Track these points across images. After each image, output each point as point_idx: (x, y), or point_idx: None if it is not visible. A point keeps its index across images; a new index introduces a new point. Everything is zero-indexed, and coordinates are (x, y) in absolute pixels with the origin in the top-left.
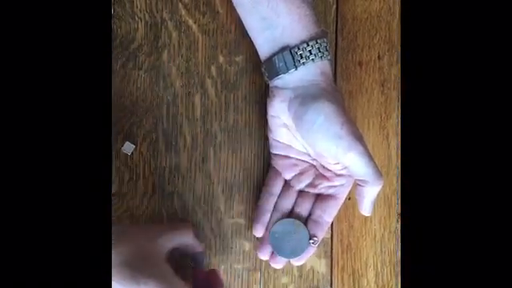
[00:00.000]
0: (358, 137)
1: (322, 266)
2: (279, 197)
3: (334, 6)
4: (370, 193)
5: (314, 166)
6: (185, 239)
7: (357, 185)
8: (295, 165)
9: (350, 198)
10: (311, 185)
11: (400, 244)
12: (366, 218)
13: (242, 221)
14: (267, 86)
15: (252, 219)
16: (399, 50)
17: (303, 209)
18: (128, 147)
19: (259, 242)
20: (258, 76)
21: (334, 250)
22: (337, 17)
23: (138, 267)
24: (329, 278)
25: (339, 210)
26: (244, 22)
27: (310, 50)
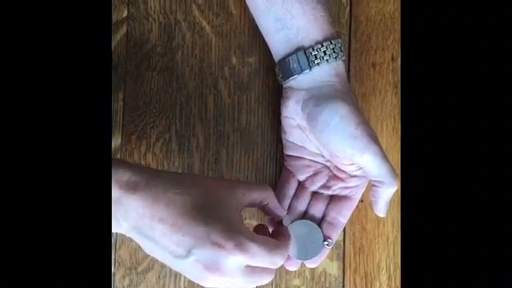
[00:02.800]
0: (374, 137)
1: (334, 269)
2: (293, 198)
3: (348, 8)
4: (386, 194)
5: (328, 168)
6: (265, 197)
7: (372, 185)
8: (309, 166)
9: (362, 201)
10: (325, 186)
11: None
12: (378, 220)
13: (254, 222)
14: (280, 87)
15: (264, 221)
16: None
17: (317, 210)
18: None
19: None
20: (271, 77)
21: (346, 253)
22: (350, 18)
23: (209, 211)
24: (341, 280)
25: (352, 213)
26: (258, 23)
27: (324, 51)
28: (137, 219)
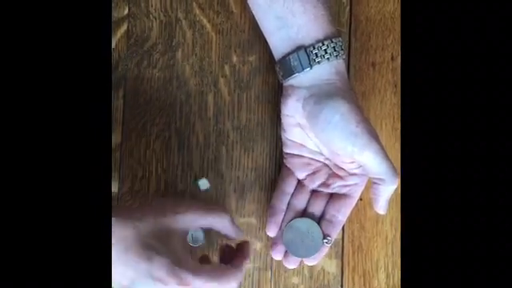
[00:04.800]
0: (374, 135)
1: (332, 267)
2: (292, 196)
3: (348, 7)
4: (386, 191)
5: (327, 166)
6: (216, 223)
7: (372, 183)
8: (308, 164)
9: (361, 199)
10: (324, 184)
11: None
12: (377, 219)
13: (253, 220)
14: (280, 86)
15: (263, 219)
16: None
17: (317, 208)
18: (203, 184)
19: (272, 242)
20: (271, 76)
21: (345, 251)
22: (350, 18)
23: (153, 245)
24: (339, 278)
25: (351, 211)
26: (259, 22)
27: (325, 50)
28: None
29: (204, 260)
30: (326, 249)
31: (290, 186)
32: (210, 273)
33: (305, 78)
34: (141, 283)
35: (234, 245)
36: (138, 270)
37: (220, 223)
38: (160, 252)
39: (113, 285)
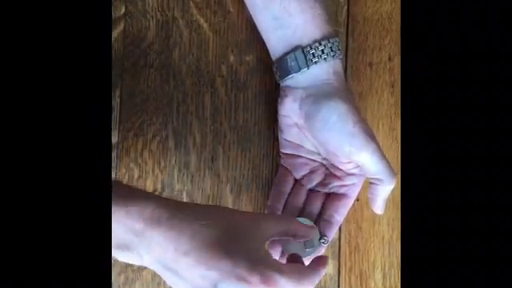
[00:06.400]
0: (371, 135)
1: (329, 267)
2: (289, 196)
3: (345, 7)
4: (384, 191)
5: (325, 165)
6: (289, 229)
7: (370, 183)
8: (305, 164)
9: (358, 200)
10: (322, 184)
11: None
12: (374, 219)
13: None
14: (277, 86)
15: None
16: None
17: (314, 208)
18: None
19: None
20: (269, 76)
21: (341, 251)
22: (348, 18)
23: (234, 244)
24: (336, 279)
25: (348, 211)
26: (256, 21)
27: (322, 50)
28: (160, 253)
29: (291, 260)
30: (322, 249)
31: (287, 186)
32: (291, 271)
33: (302, 78)
34: (224, 283)
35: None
36: (221, 268)
37: (293, 229)
38: (242, 251)
39: None
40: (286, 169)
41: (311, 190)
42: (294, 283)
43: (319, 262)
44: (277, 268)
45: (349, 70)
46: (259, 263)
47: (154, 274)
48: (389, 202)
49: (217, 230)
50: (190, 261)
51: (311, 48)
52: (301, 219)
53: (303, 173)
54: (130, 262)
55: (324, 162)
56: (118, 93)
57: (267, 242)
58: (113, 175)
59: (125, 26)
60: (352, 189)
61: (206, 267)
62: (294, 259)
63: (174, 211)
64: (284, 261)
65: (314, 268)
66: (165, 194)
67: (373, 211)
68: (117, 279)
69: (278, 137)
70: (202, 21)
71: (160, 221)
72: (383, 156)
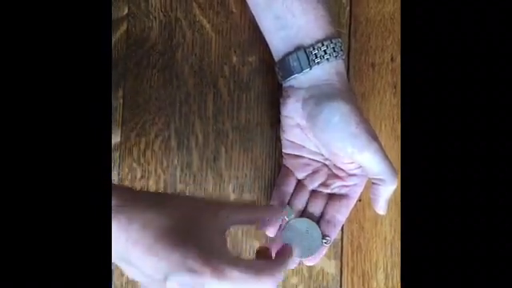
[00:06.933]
0: (373, 136)
1: (331, 267)
2: (292, 196)
3: (348, 8)
4: (386, 191)
5: (327, 166)
6: (254, 217)
7: (372, 184)
8: (308, 164)
9: (360, 200)
10: (324, 184)
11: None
12: (376, 219)
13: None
14: (280, 87)
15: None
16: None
17: (316, 208)
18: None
19: (272, 242)
20: (271, 76)
21: (344, 252)
22: (350, 18)
23: (188, 234)
24: (338, 279)
25: (350, 212)
26: (258, 22)
27: (324, 50)
28: (113, 243)
29: (261, 253)
30: (324, 249)
31: (289, 186)
32: (248, 266)
33: (304, 79)
34: (174, 274)
35: (272, 250)
36: (171, 260)
37: (258, 215)
38: (195, 242)
39: (144, 279)
40: (289, 169)
41: (313, 191)
42: (250, 276)
43: (283, 253)
44: (231, 261)
45: (351, 71)
46: (212, 255)
47: None
48: (391, 202)
49: (170, 219)
50: (140, 251)
51: (314, 48)
52: (301, 220)
53: (305, 173)
54: None
55: (326, 163)
56: (120, 93)
57: (227, 232)
58: (115, 175)
59: (128, 27)
60: (354, 189)
61: (157, 258)
62: (262, 251)
63: (127, 201)
64: None
65: (276, 260)
66: None
67: (375, 211)
68: (119, 278)
69: (280, 137)
70: (204, 21)
71: (112, 210)
72: (385, 156)
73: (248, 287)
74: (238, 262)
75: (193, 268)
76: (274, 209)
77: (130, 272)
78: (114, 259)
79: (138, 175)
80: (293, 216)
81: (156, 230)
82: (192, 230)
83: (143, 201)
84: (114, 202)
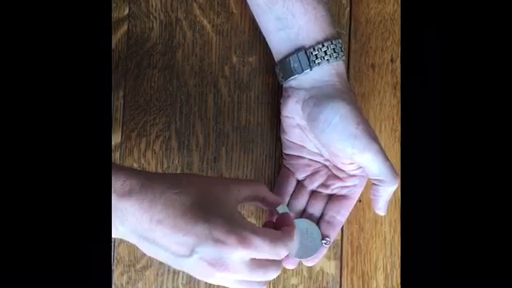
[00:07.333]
0: (374, 136)
1: (331, 268)
2: (292, 197)
3: (348, 9)
4: (386, 192)
5: (327, 167)
6: (258, 192)
7: (372, 184)
8: (308, 165)
9: (360, 201)
10: (324, 185)
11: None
12: (376, 220)
13: (252, 220)
14: (280, 87)
15: (263, 219)
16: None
17: (316, 209)
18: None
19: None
20: (271, 77)
21: (343, 252)
22: (350, 19)
23: (208, 208)
24: (338, 279)
25: (350, 212)
26: (259, 23)
27: (325, 51)
28: (135, 223)
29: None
30: (324, 249)
31: (289, 187)
32: (266, 233)
33: (304, 80)
34: (202, 247)
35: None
36: (197, 233)
37: (261, 192)
38: (217, 214)
39: (168, 256)
40: (289, 170)
41: (313, 192)
42: (269, 244)
43: (285, 222)
44: (252, 229)
45: (351, 72)
46: (235, 225)
47: (157, 274)
48: (391, 202)
49: (189, 196)
50: (165, 229)
51: (314, 49)
52: (301, 220)
53: (305, 174)
54: None
55: (326, 164)
56: (121, 93)
57: (238, 205)
58: None
59: (128, 27)
60: (354, 190)
61: (183, 233)
62: (269, 226)
63: (145, 182)
64: None
65: (284, 231)
66: None
67: (375, 212)
68: (119, 279)
69: (280, 138)
70: (205, 22)
71: (132, 192)
72: (386, 157)
73: (267, 252)
74: (257, 230)
75: (219, 238)
76: (275, 196)
77: (152, 251)
78: (133, 239)
79: None
80: (287, 210)
81: (178, 207)
82: (212, 204)
83: (160, 181)
84: (129, 182)
